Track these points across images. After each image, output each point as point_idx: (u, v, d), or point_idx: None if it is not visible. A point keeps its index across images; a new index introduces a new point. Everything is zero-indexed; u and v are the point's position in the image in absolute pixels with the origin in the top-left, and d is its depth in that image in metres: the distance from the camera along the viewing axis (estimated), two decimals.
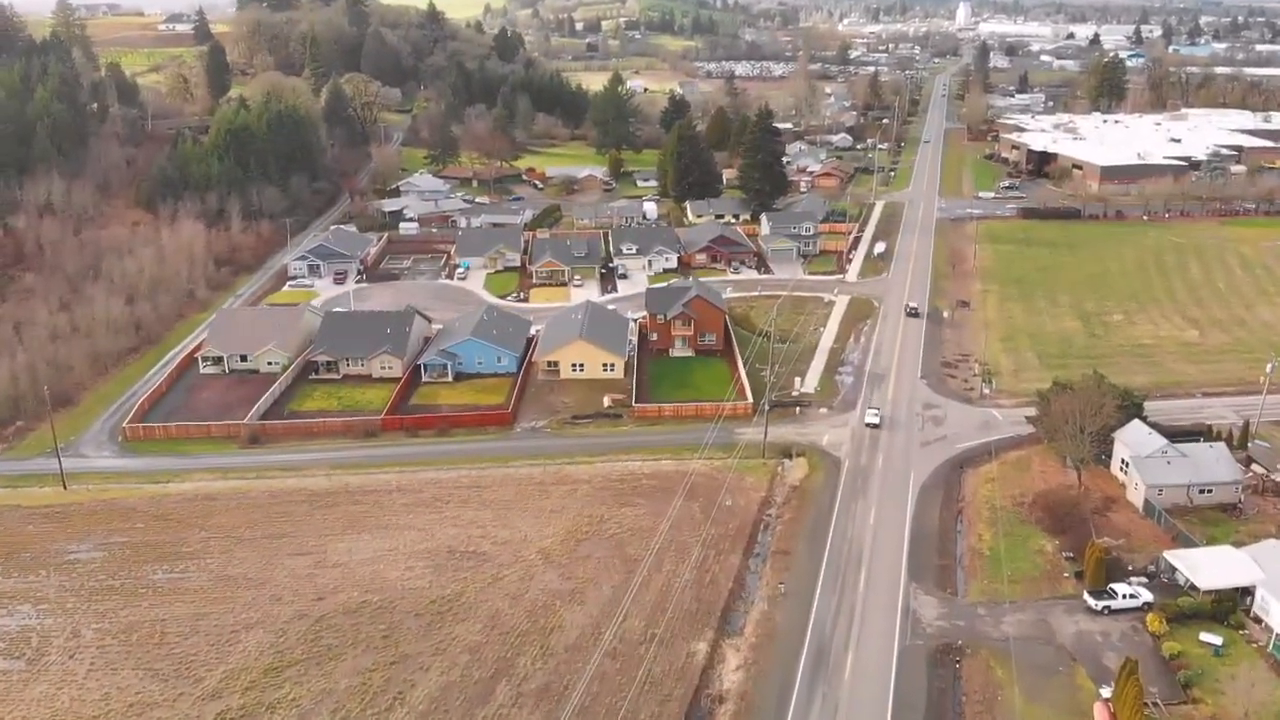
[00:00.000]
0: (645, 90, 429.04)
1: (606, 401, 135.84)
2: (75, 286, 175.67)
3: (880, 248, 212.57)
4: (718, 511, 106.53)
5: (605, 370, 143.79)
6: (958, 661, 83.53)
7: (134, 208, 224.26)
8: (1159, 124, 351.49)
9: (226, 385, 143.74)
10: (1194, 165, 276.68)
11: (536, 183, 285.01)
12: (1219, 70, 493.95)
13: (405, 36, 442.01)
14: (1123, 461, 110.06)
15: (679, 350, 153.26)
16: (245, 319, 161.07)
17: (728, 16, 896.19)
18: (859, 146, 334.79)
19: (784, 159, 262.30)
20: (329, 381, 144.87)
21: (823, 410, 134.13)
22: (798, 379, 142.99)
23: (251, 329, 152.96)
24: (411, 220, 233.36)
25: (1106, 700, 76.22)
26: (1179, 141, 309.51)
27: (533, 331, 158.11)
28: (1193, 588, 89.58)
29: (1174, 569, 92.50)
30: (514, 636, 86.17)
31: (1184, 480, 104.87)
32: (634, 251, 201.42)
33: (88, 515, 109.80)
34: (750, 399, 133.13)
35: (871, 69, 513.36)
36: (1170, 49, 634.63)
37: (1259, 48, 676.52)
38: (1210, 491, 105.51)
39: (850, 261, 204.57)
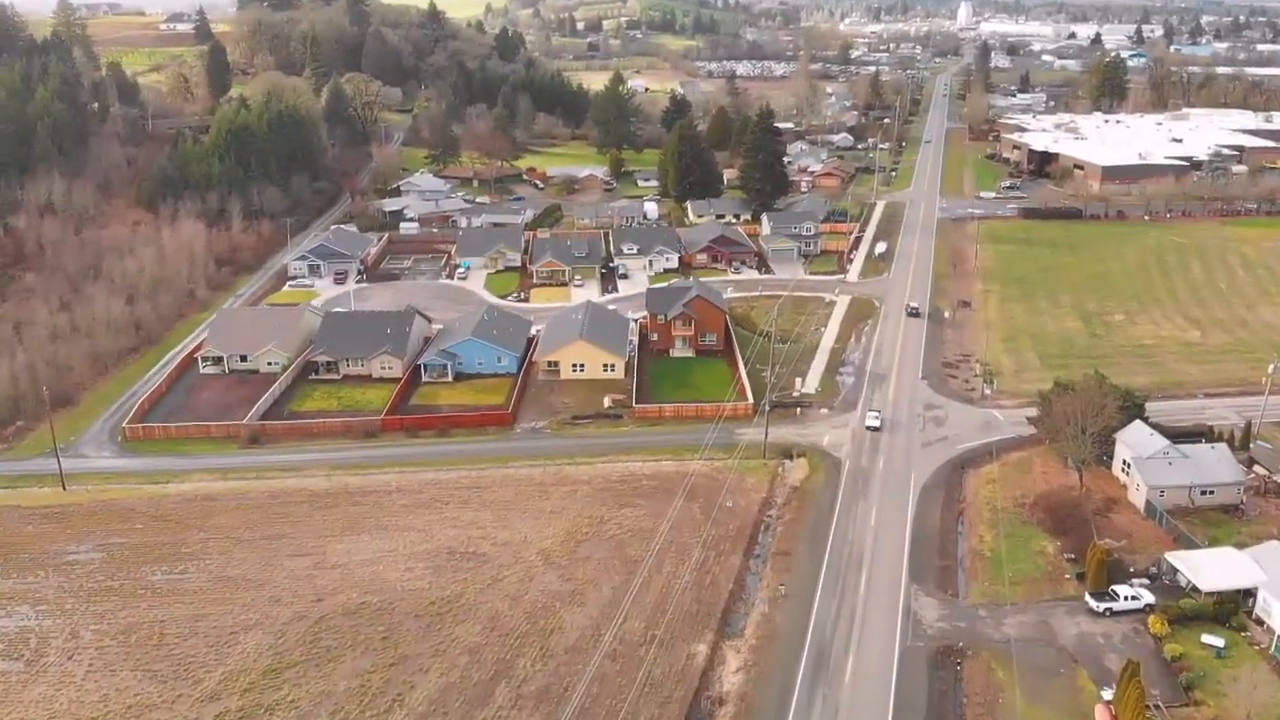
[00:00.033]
0: (646, 90, 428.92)
1: (607, 402, 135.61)
2: (75, 286, 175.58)
3: (881, 248, 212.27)
4: (718, 512, 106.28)
5: (606, 370, 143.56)
6: (959, 663, 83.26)
7: (134, 207, 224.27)
8: (1160, 124, 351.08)
9: (226, 385, 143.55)
10: (1195, 165, 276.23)
11: (537, 182, 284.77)
12: (1220, 70, 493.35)
13: (406, 36, 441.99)
14: (1124, 462, 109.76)
15: (679, 350, 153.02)
16: (245, 319, 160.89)
17: (729, 16, 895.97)
18: (860, 146, 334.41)
19: (785, 159, 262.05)
20: (329, 382, 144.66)
21: (823, 411, 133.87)
22: (798, 379, 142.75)
23: (251, 329, 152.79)
24: (412, 220, 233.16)
25: (1108, 702, 75.93)
26: (1180, 141, 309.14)
27: (533, 331, 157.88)
28: (1194, 589, 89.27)
29: (1175, 570, 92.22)
30: (513, 638, 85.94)
31: (1186, 481, 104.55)
32: (635, 251, 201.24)
33: (87, 516, 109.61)
34: (751, 399, 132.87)
35: (873, 69, 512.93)
36: (1171, 49, 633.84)
37: (1260, 47, 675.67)
38: (1212, 493, 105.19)
39: (851, 261, 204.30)
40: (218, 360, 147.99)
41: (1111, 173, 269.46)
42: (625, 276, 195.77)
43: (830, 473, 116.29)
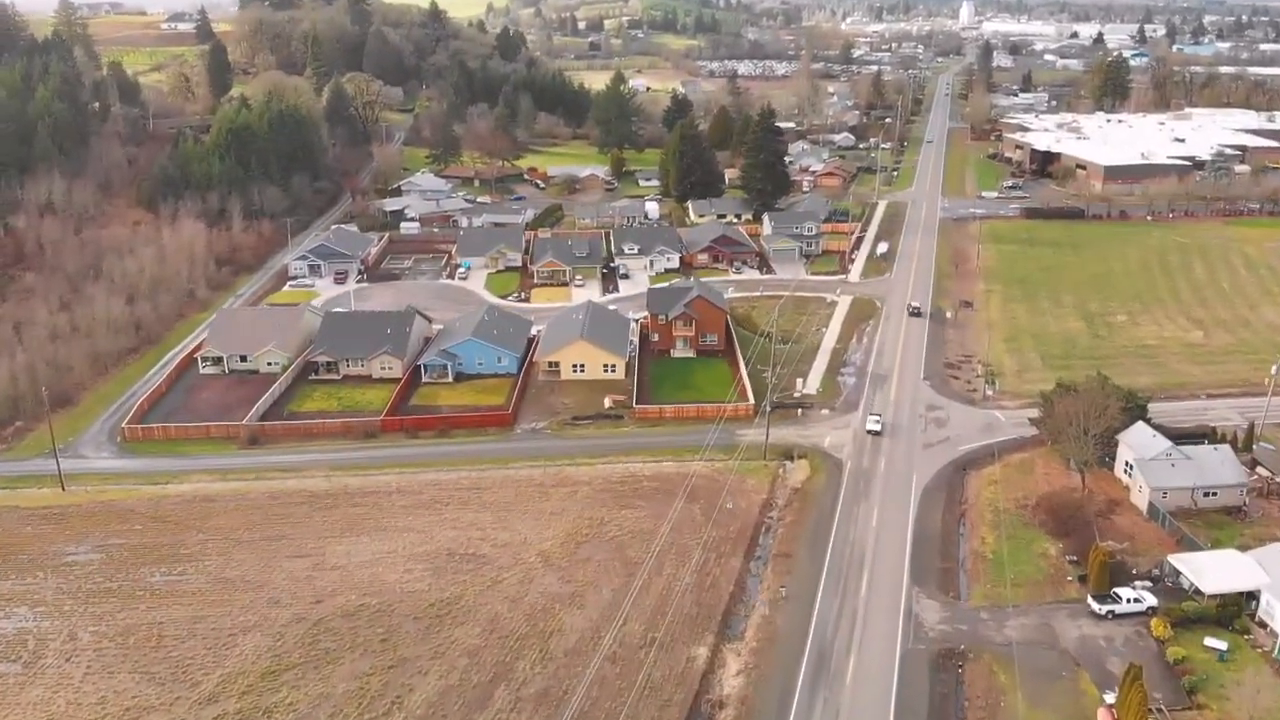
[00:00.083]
0: (647, 89, 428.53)
1: (607, 402, 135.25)
2: (75, 286, 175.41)
3: (883, 248, 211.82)
4: (719, 514, 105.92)
5: (606, 371, 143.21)
6: (960, 666, 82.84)
7: (135, 207, 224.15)
8: (1163, 123, 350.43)
9: (226, 386, 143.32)
10: (1198, 165, 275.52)
11: (538, 182, 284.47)
12: (1223, 70, 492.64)
13: (407, 35, 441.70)
14: (1127, 464, 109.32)
15: (680, 351, 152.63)
16: (245, 319, 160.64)
17: (730, 15, 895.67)
18: (862, 146, 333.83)
19: (786, 158, 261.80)
20: (329, 382, 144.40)
21: (825, 412, 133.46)
22: (800, 380, 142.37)
23: (251, 329, 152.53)
24: (413, 220, 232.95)
25: (1110, 706, 75.48)
26: (1183, 141, 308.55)
27: (533, 332, 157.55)
28: (1197, 592, 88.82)
29: (1178, 573, 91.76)
30: (513, 640, 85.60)
31: (1188, 483, 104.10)
32: (636, 251, 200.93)
33: (86, 517, 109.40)
34: (752, 400, 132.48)
35: (874, 68, 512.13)
36: (1174, 48, 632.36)
37: (1263, 47, 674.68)
38: (1215, 494, 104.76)
39: (853, 261, 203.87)
40: (217, 360, 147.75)
41: (1114, 172, 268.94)
42: (626, 276, 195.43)
43: (831, 474, 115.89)
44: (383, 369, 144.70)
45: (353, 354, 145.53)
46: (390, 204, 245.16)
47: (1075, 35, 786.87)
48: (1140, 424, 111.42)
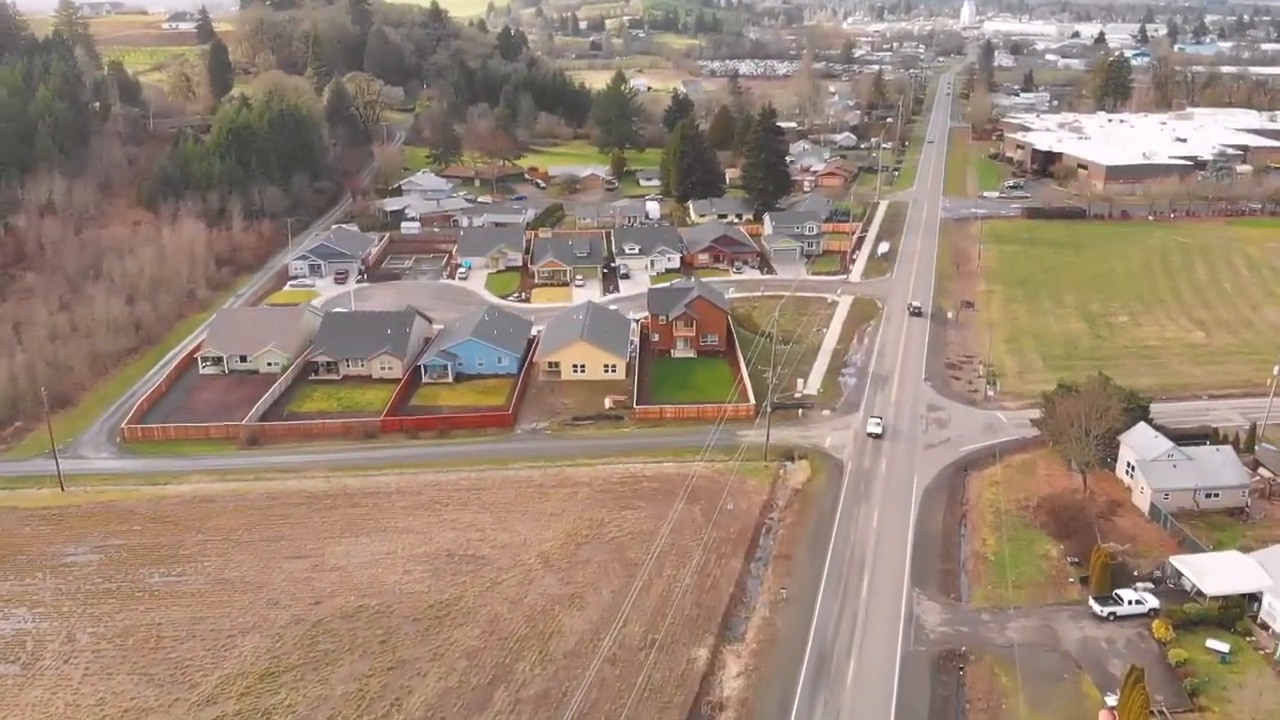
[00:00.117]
0: (648, 89, 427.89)
1: (608, 403, 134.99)
2: (75, 286, 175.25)
3: (884, 248, 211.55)
4: (719, 515, 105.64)
5: (607, 371, 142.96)
6: (961, 668, 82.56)
7: (135, 207, 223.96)
8: (1164, 123, 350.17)
9: (226, 386, 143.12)
10: (1199, 165, 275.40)
11: (539, 182, 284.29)
12: (1224, 69, 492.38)
13: (408, 35, 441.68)
14: (1128, 465, 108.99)
15: (681, 351, 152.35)
16: (245, 319, 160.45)
17: (732, 15, 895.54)
18: (863, 146, 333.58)
19: (787, 158, 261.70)
20: (329, 382, 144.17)
21: (825, 412, 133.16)
22: (800, 380, 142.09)
23: (251, 329, 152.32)
24: (413, 219, 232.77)
25: (1112, 708, 75.20)
26: (1184, 141, 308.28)
27: (534, 332, 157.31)
28: (1199, 593, 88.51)
29: (1180, 574, 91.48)
30: (512, 642, 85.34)
31: (1190, 484, 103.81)
32: (636, 251, 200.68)
33: (85, 517, 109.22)
34: (752, 401, 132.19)
35: (876, 68, 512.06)
36: (1175, 48, 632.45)
37: (1265, 46, 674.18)
38: (1217, 495, 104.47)
39: (854, 261, 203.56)
40: (217, 360, 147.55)
41: (1115, 172, 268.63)
42: (627, 276, 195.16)
43: (832, 475, 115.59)
44: (383, 369, 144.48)
45: (353, 354, 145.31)
46: (391, 204, 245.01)
47: (1077, 35, 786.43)
48: (1142, 425, 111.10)
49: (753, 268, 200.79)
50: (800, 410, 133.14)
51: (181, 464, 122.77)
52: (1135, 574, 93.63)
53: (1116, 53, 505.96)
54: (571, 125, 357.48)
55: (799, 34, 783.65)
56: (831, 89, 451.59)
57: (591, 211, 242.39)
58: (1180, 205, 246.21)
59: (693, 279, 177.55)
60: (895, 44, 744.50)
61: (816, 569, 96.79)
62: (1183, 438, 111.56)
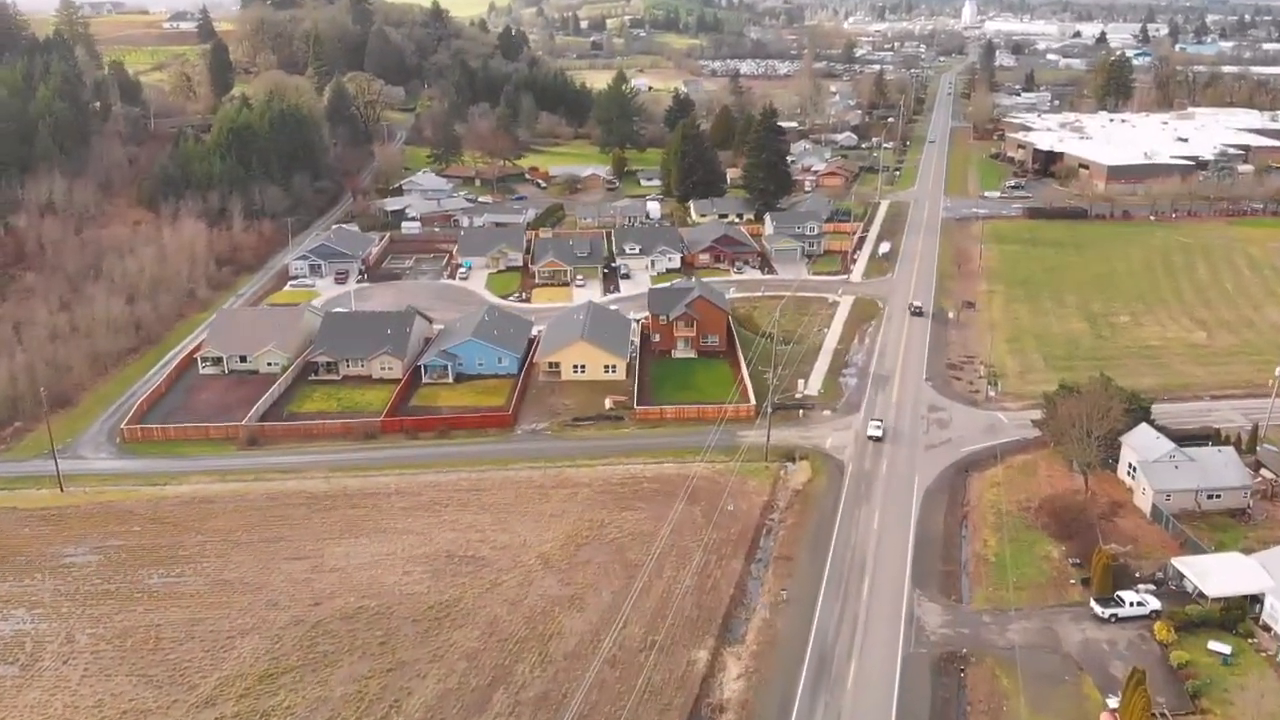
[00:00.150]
0: (649, 89, 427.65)
1: (608, 403, 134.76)
2: (75, 286, 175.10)
3: (885, 248, 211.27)
4: (719, 516, 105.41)
5: (607, 372, 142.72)
6: (962, 670, 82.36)
7: (135, 207, 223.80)
8: (1166, 123, 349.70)
9: (226, 386, 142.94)
10: (1201, 165, 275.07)
11: (539, 182, 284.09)
12: (1226, 69, 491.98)
13: (409, 35, 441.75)
14: (1130, 466, 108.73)
15: (681, 351, 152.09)
16: (245, 319, 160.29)
17: (733, 15, 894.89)
18: (864, 145, 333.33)
19: (788, 158, 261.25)
20: (329, 382, 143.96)
21: (826, 413, 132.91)
22: (801, 381, 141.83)
23: (251, 329, 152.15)
24: (414, 219, 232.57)
25: (1113, 710, 75.03)
26: (1186, 141, 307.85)
27: (534, 332, 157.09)
28: (1201, 595, 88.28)
29: (1182, 576, 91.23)
30: (512, 643, 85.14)
31: (1192, 485, 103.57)
32: (637, 251, 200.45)
33: (84, 518, 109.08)
34: (753, 401, 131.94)
35: (877, 67, 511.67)
36: (1177, 47, 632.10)
37: (1266, 46, 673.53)
38: (1218, 497, 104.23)
39: (855, 261, 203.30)
40: (217, 361, 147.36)
41: (1117, 172, 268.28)
42: (627, 276, 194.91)
43: (833, 476, 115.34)
44: (383, 369, 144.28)
45: (353, 354, 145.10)
46: (391, 203, 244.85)
47: (1078, 34, 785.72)
48: (1143, 426, 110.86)
49: (753, 268, 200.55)
50: (801, 411, 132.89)
51: (181, 464, 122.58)
52: (1137, 575, 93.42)
53: (1118, 52, 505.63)
54: (572, 125, 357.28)
55: (800, 34, 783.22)
56: (833, 89, 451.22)
57: (592, 211, 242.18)
58: (1182, 205, 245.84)
59: (693, 279, 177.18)
60: (896, 44, 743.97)
61: (817, 570, 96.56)
62: (1184, 438, 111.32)
